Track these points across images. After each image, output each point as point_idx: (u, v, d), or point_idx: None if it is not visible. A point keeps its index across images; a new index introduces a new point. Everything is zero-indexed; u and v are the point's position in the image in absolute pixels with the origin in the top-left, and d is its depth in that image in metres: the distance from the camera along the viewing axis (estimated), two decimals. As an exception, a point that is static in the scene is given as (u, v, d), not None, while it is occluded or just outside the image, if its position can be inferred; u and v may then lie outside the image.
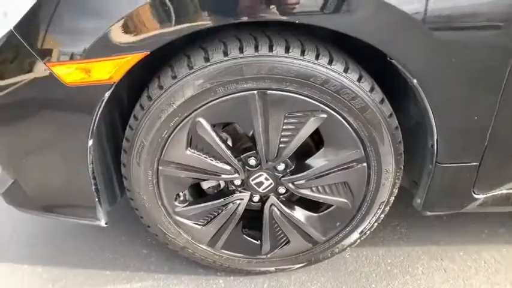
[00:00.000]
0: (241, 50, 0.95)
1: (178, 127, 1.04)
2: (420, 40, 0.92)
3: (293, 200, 1.26)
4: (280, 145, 1.08)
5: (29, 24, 0.96)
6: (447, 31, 0.92)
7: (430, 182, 1.16)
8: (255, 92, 0.99)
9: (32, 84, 0.99)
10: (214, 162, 1.11)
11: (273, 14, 0.89)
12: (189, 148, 1.09)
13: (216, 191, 1.26)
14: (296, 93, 0.99)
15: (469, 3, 0.91)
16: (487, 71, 0.96)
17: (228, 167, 1.12)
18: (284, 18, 0.89)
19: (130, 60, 0.93)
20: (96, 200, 1.18)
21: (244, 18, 0.89)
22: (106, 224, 1.25)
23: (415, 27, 0.91)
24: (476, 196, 1.20)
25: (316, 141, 1.18)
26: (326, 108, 1.01)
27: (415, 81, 0.95)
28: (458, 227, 1.57)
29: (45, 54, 0.95)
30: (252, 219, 1.29)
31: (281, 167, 1.16)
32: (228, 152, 1.10)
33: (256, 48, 0.95)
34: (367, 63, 1.06)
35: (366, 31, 0.91)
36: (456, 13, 0.91)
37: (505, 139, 1.07)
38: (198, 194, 1.29)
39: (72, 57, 0.93)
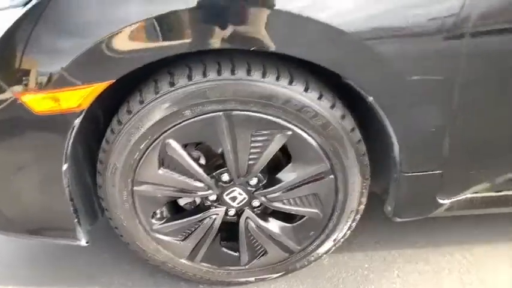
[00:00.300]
0: (204, 75, 1.00)
1: (149, 149, 1.07)
2: (366, 57, 0.96)
3: (268, 212, 1.30)
4: (249, 162, 1.12)
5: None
6: (390, 45, 0.95)
7: (397, 190, 1.21)
8: (221, 113, 1.03)
9: (3, 112, 1.03)
10: (187, 180, 1.15)
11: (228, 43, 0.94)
12: (161, 168, 1.13)
13: (192, 207, 1.30)
14: (260, 113, 1.04)
15: (408, 15, 0.94)
16: (436, 83, 1.00)
17: (201, 184, 1.16)
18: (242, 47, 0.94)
19: (97, 88, 0.97)
20: (76, 220, 1.21)
21: (194, 48, 0.95)
22: (87, 243, 1.28)
23: (360, 45, 0.94)
24: (441, 202, 1.24)
25: (287, 155, 1.23)
26: (290, 126, 1.06)
27: (370, 98, 1.00)
28: (433, 229, 1.62)
29: (15, 84, 0.98)
30: (231, 231, 1.33)
31: (253, 181, 1.20)
32: (200, 171, 1.14)
33: (219, 72, 0.99)
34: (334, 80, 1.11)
35: (317, 54, 0.95)
36: (396, 26, 0.94)
37: (463, 148, 1.12)
38: (176, 209, 1.33)
39: (41, 87, 0.97)
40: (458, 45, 0.97)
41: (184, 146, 1.14)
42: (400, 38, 0.95)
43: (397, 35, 0.95)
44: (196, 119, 1.03)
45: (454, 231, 1.61)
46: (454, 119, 1.05)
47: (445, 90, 1.01)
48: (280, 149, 1.13)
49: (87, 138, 1.20)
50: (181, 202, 1.30)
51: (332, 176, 1.15)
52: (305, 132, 1.06)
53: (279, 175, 1.18)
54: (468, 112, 1.06)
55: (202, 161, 1.20)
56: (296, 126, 1.06)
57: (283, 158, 1.23)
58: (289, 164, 1.15)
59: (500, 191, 1.30)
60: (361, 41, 0.94)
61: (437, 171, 1.15)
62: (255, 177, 1.19)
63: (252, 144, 1.08)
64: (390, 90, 1.00)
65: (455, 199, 1.26)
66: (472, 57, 0.98)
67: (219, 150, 1.14)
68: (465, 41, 0.96)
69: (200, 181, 1.16)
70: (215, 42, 0.94)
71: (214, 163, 1.21)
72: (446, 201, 1.25)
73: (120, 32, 0.92)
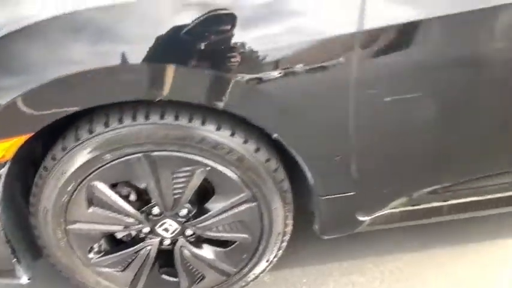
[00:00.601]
0: (120, 121, 1.07)
1: (76, 191, 1.14)
2: (257, 97, 1.03)
3: (202, 239, 1.37)
4: (175, 196, 1.19)
5: None
6: (281, 82, 1.01)
7: (320, 211, 1.31)
8: (140, 154, 1.10)
9: None
10: (118, 217, 1.22)
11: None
12: (91, 207, 1.19)
13: (129, 239, 1.36)
14: (178, 152, 1.11)
15: (294, 50, 1.00)
16: (330, 114, 1.09)
17: (132, 220, 1.23)
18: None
19: (17, 141, 1.03)
20: (14, 260, 1.26)
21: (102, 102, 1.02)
22: (29, 279, 1.32)
23: (249, 87, 1.01)
24: (362, 219, 1.34)
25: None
26: (207, 162, 1.13)
27: (275, 135, 1.09)
28: (370, 240, 1.71)
29: None
30: (170, 257, 1.40)
31: (183, 212, 1.27)
32: (129, 208, 1.21)
33: (134, 118, 1.07)
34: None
35: (211, 100, 1.02)
36: (284, 63, 1.00)
37: (370, 170, 1.22)
38: (115, 241, 1.38)
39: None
40: (346, 74, 1.03)
41: (114, 184, 1.21)
42: (289, 74, 1.01)
43: (285, 71, 1.01)
44: (117, 161, 1.10)
45: (390, 241, 1.70)
46: (354, 145, 1.14)
47: (340, 120, 1.09)
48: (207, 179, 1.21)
49: (26, 179, 1.26)
50: (118, 235, 1.36)
51: (255, 204, 1.23)
52: (222, 166, 1.15)
53: (206, 205, 1.26)
54: (367, 137, 1.14)
55: (133, 196, 1.26)
56: (213, 161, 1.14)
57: (211, 188, 1.31)
58: (214, 195, 1.23)
59: (418, 205, 1.41)
60: (250, 84, 1.00)
61: (351, 193, 1.25)
62: (185, 208, 1.26)
63: (174, 181, 1.16)
64: (289, 125, 1.08)
65: (374, 215, 1.36)
66: (360, 83, 1.05)
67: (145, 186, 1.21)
68: (353, 69, 1.03)
69: (130, 217, 1.22)
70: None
71: (145, 197, 1.28)
72: (366, 218, 1.35)
73: (36, 89, 0.98)
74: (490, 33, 1.05)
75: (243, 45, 0.97)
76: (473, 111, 1.23)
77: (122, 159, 1.10)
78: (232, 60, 0.97)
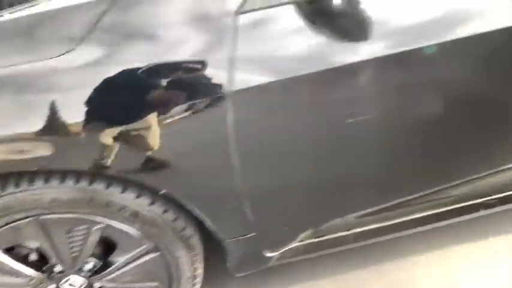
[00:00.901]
0: (3, 188, 1.06)
1: (-34, 260, 1.12)
2: (133, 154, 1.05)
3: (114, 290, 1.37)
4: (73, 254, 1.19)
5: None
6: (154, 136, 1.02)
7: (229, 252, 1.34)
8: (31, 218, 1.10)
9: None
10: (17, 280, 1.20)
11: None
12: (-14, 273, 1.17)
13: (37, 296, 1.35)
14: (69, 213, 1.12)
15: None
16: (212, 167, 1.12)
17: (33, 280, 1.22)
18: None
19: None
20: None
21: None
22: None
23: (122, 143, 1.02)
24: (269, 255, 1.39)
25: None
26: (101, 219, 1.15)
27: (163, 191, 1.12)
28: (290, 270, 1.75)
29: None
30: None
31: (88, 266, 1.27)
32: (27, 269, 1.20)
33: (17, 185, 1.07)
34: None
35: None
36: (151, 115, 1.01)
37: (264, 213, 1.26)
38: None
39: None
40: (223, 127, 1.05)
41: (9, 249, 1.20)
42: (167, 129, 1.02)
43: (161, 128, 1.02)
44: (7, 227, 1.10)
45: (309, 269, 1.74)
46: (243, 192, 1.17)
47: (225, 171, 1.12)
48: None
49: None
50: (25, 293, 1.34)
51: (158, 254, 1.25)
52: (117, 222, 1.16)
53: (111, 258, 1.26)
54: (253, 183, 1.17)
55: (34, 256, 1.25)
56: (107, 219, 1.15)
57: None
58: (116, 249, 1.24)
59: (324, 236, 1.47)
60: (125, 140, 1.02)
61: (252, 234, 1.29)
62: (90, 262, 1.26)
63: (70, 240, 1.16)
64: (173, 180, 1.10)
65: (281, 250, 1.40)
66: (238, 135, 1.08)
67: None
68: (229, 123, 1.05)
69: (30, 277, 1.21)
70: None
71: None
72: (274, 254, 1.40)
73: None
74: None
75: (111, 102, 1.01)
76: (358, 142, 1.25)
77: (12, 224, 1.10)
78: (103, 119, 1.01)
